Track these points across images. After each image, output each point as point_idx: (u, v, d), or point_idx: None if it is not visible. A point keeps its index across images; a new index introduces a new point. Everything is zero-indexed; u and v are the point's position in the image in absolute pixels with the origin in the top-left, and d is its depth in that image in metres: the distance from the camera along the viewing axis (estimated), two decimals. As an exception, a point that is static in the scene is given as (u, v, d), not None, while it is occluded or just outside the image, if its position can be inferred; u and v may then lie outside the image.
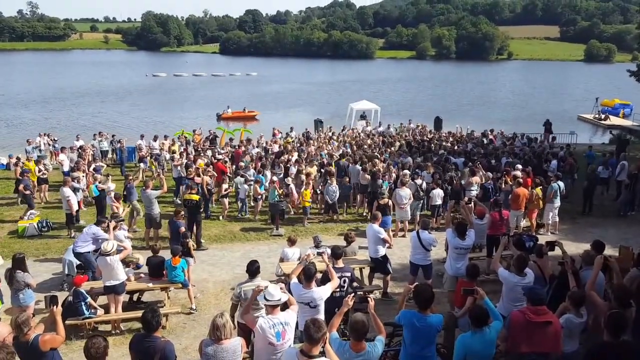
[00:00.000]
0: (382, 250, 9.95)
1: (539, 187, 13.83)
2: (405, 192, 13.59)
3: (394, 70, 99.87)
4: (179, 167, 17.38)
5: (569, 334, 5.81)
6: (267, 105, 48.49)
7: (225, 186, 15.85)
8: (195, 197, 12.76)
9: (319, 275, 7.59)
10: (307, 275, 6.47)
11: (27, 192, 15.11)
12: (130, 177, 14.67)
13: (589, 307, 6.08)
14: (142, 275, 9.66)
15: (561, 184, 14.17)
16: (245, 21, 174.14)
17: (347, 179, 16.08)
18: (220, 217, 15.53)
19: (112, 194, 13.51)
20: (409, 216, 13.93)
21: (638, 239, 11.54)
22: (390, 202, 13.28)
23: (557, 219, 14.19)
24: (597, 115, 39.79)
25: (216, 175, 16.37)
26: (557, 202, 13.99)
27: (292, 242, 10.21)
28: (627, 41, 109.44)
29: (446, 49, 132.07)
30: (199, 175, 15.07)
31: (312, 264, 6.85)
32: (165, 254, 9.71)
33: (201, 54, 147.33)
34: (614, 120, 39.16)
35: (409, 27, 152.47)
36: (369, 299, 6.53)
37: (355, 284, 8.12)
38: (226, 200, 15.80)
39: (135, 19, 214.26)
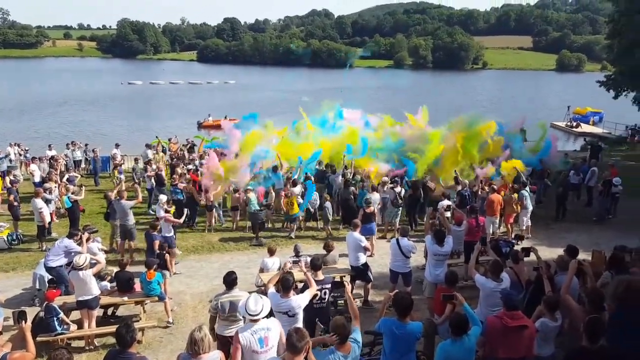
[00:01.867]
0: (363, 258, 9.94)
1: (516, 193, 14.07)
2: (375, 197, 13.82)
3: (373, 78, 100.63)
4: (152, 179, 17.18)
5: (544, 337, 5.90)
6: (246, 113, 48.22)
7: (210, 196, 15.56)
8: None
9: (300, 285, 7.57)
10: (285, 285, 6.41)
11: (16, 203, 14.68)
12: (112, 194, 13.62)
13: (564, 311, 6.19)
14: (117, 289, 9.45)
15: (526, 192, 14.37)
16: (224, 29, 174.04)
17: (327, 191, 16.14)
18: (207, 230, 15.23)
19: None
20: (378, 220, 14.14)
21: (610, 243, 11.74)
22: (375, 210, 13.38)
23: (530, 223, 14.48)
24: (569, 123, 40.72)
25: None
26: (530, 207, 14.33)
27: (271, 252, 10.13)
28: (596, 51, 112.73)
29: (423, 58, 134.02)
30: (183, 182, 14.92)
31: (290, 274, 6.79)
32: (141, 267, 9.53)
33: (178, 61, 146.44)
34: (585, 127, 40.13)
35: (386, 36, 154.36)
36: (345, 283, 6.55)
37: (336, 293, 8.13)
38: (214, 213, 15.54)
39: (110, 26, 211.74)
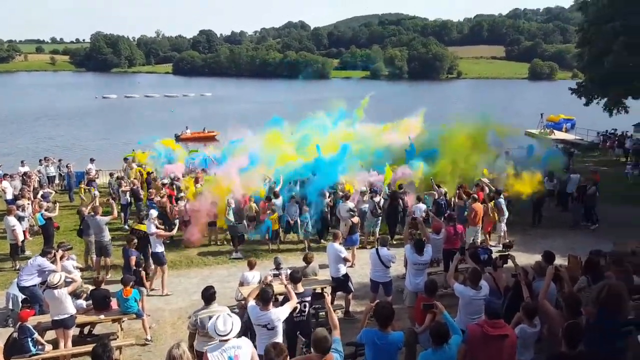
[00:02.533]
0: (343, 269, 9.94)
1: (492, 201, 14.26)
2: (350, 206, 13.91)
3: (350, 89, 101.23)
4: (127, 194, 16.94)
5: (523, 343, 5.95)
6: (225, 125, 47.93)
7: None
8: (143, 227, 12.03)
9: (280, 298, 7.52)
10: (264, 298, 6.38)
11: None
12: (86, 210, 13.36)
13: (542, 317, 6.25)
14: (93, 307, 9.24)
15: (502, 199, 14.60)
16: (199, 41, 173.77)
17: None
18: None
19: None
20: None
21: (585, 248, 11.96)
22: (358, 221, 13.45)
23: (506, 229, 14.72)
24: (542, 130, 41.54)
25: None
26: (506, 215, 14.58)
27: (251, 265, 10.02)
28: (567, 59, 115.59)
29: (399, 69, 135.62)
30: (162, 197, 14.74)
31: (270, 287, 6.76)
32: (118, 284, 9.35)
33: (154, 74, 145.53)
34: (558, 134, 40.98)
35: (362, 47, 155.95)
36: (324, 294, 6.55)
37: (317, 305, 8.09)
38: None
39: (83, 40, 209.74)
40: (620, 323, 5.64)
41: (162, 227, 12.99)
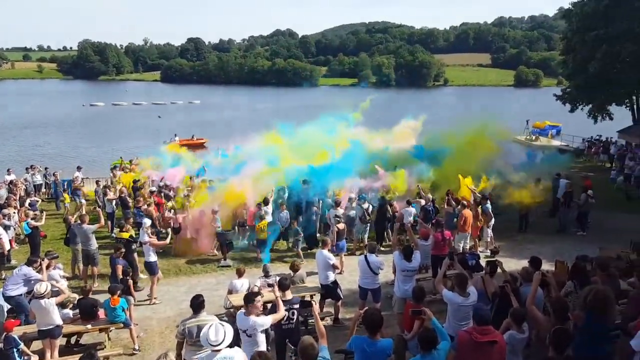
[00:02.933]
0: (332, 276, 9.95)
1: (479, 206, 14.38)
2: (338, 213, 14.00)
3: (338, 96, 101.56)
4: (113, 202, 16.81)
5: (512, 349, 5.97)
6: (214, 133, 47.85)
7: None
8: (125, 235, 12.01)
9: (269, 306, 7.51)
10: (246, 300, 6.46)
11: None
12: (72, 219, 13.29)
13: (530, 322, 6.30)
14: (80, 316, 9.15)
15: (489, 205, 14.71)
16: (188, 49, 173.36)
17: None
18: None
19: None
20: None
21: (572, 253, 12.14)
22: (344, 227, 13.46)
23: (492, 234, 14.80)
24: (528, 137, 41.96)
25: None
26: (492, 221, 14.68)
27: (240, 273, 10.00)
28: (552, 67, 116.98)
29: (386, 76, 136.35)
30: (149, 205, 14.66)
31: (258, 293, 6.80)
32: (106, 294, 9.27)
33: (142, 82, 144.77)
34: (543, 140, 41.39)
35: (350, 55, 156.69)
36: (312, 302, 6.57)
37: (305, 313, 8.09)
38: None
39: (71, 47, 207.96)
40: (608, 327, 5.71)
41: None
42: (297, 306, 7.42)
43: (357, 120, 20.67)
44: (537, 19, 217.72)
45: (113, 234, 16.12)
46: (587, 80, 30.00)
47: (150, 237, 11.68)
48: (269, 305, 7.54)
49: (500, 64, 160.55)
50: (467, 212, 13.59)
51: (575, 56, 30.89)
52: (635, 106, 32.81)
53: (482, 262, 10.30)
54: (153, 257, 11.48)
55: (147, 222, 12.15)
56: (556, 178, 18.22)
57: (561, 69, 37.88)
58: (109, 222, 16.68)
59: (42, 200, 20.46)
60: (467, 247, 13.73)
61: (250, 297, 6.51)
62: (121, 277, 10.16)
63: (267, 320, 6.49)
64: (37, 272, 9.45)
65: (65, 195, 19.84)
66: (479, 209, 14.29)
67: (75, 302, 9.44)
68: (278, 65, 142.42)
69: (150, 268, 11.42)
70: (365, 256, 9.54)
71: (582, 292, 6.03)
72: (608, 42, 27.33)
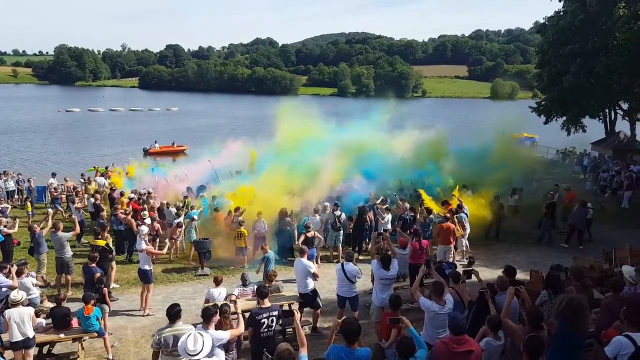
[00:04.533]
0: (312, 284, 9.91)
1: (455, 216, 14.51)
2: (316, 220, 14.13)
3: (319, 106, 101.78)
4: (81, 211, 16.50)
5: (488, 356, 6.04)
6: (193, 140, 47.50)
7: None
8: (101, 243, 11.72)
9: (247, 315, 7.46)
10: (203, 315, 6.40)
11: None
12: (37, 226, 12.91)
13: (506, 330, 6.38)
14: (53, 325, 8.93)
15: (465, 214, 14.88)
16: (166, 56, 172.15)
17: None
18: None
19: None
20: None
21: (546, 262, 12.37)
22: (316, 234, 13.47)
23: (468, 243, 14.93)
24: (504, 148, 42.67)
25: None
26: (468, 230, 14.82)
27: (217, 281, 9.90)
28: (528, 79, 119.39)
29: (365, 86, 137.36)
30: (127, 213, 14.43)
31: (227, 305, 6.88)
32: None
33: (119, 88, 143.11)
34: (520, 151, 42.15)
35: (330, 65, 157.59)
36: (295, 311, 6.53)
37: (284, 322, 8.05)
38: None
39: (47, 52, 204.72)
40: (581, 336, 5.81)
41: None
42: (275, 313, 7.37)
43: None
44: (513, 32, 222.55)
45: (79, 243, 15.79)
46: (561, 93, 30.72)
47: (147, 245, 11.40)
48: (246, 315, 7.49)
49: (476, 76, 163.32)
50: (448, 225, 13.40)
51: (550, 69, 31.63)
52: (607, 119, 33.69)
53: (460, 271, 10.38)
54: (148, 266, 11.19)
55: (144, 229, 11.90)
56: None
57: (536, 81, 38.66)
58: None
59: (15, 207, 19.98)
60: (451, 259, 13.45)
61: (206, 312, 6.38)
62: (97, 285, 9.95)
63: (220, 335, 6.31)
64: (6, 277, 9.19)
65: (28, 202, 19.36)
66: (455, 219, 14.39)
67: (49, 311, 9.23)
68: (258, 73, 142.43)
69: (145, 276, 11.14)
70: (342, 265, 9.55)
71: (556, 301, 6.13)
72: (582, 56, 28.06)
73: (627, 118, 32.08)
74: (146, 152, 39.91)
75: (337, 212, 14.79)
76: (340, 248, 14.81)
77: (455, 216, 14.39)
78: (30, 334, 7.96)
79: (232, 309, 7.22)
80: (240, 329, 6.81)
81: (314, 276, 9.92)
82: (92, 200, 17.09)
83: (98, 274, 10.17)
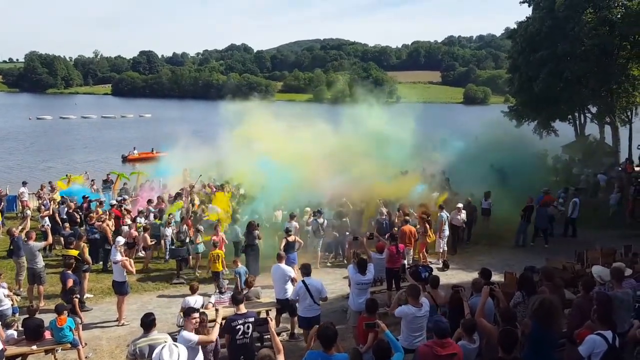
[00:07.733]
0: (290, 290, 9.83)
1: (428, 219, 14.69)
2: (293, 225, 14.16)
3: (296, 111, 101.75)
4: (46, 219, 16.14)
5: (465, 359, 6.12)
6: (161, 145, 46.89)
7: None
8: (74, 253, 11.41)
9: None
10: (185, 312, 6.63)
11: None
12: (16, 230, 12.78)
13: (480, 332, 6.48)
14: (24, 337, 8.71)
15: (445, 215, 15.12)
16: (140, 62, 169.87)
17: None
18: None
19: None
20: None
21: (521, 264, 12.57)
22: (296, 238, 13.47)
23: (446, 248, 15.11)
24: (479, 152, 43.34)
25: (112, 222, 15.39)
26: (446, 232, 15.01)
27: (193, 289, 9.79)
28: (499, 84, 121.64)
29: (341, 92, 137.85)
30: (100, 220, 14.18)
31: (204, 314, 6.97)
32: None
33: (92, 95, 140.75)
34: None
35: (305, 71, 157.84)
36: (268, 319, 6.54)
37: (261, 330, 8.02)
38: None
39: (17, 59, 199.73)
40: (554, 336, 5.94)
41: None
42: (251, 319, 7.33)
43: None
44: (485, 38, 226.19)
45: (50, 253, 15.46)
46: (532, 98, 31.35)
47: (122, 257, 11.10)
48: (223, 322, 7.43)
49: (449, 82, 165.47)
50: (408, 227, 13.57)
51: (521, 75, 32.25)
52: (577, 122, 34.52)
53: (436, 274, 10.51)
54: (122, 278, 10.91)
55: (120, 240, 11.60)
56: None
57: (508, 86, 39.32)
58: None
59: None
60: (410, 261, 13.58)
61: (188, 311, 6.55)
62: (70, 296, 9.73)
63: (193, 337, 6.38)
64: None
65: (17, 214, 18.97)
66: (427, 225, 14.56)
67: (21, 322, 9.01)
68: (233, 79, 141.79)
69: (120, 288, 10.89)
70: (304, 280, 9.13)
71: (529, 302, 6.26)
72: (552, 62, 28.70)
73: (595, 121, 32.94)
74: (125, 159, 39.29)
75: (320, 220, 14.82)
76: (319, 254, 14.82)
77: (428, 218, 14.59)
78: (1, 345, 7.76)
79: (213, 317, 7.18)
80: (212, 337, 6.78)
81: (293, 281, 9.87)
82: (66, 208, 16.73)
83: (71, 280, 9.97)
